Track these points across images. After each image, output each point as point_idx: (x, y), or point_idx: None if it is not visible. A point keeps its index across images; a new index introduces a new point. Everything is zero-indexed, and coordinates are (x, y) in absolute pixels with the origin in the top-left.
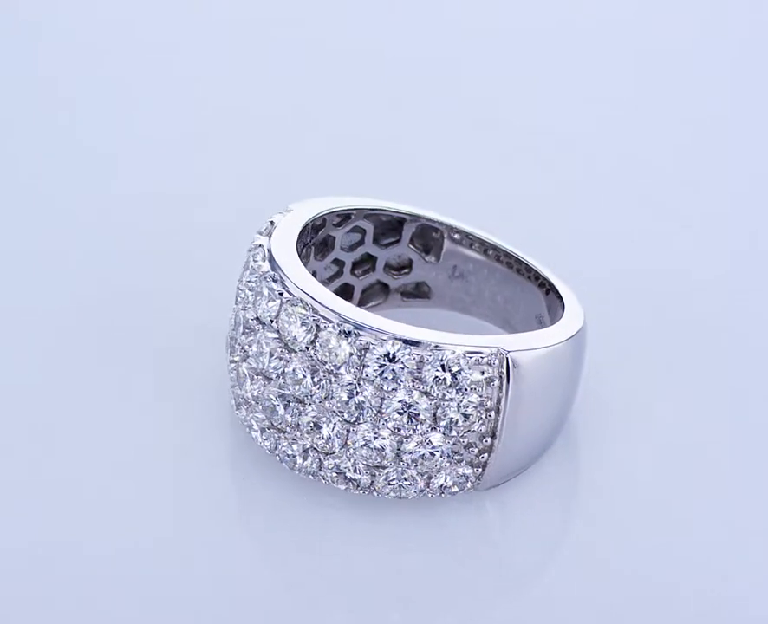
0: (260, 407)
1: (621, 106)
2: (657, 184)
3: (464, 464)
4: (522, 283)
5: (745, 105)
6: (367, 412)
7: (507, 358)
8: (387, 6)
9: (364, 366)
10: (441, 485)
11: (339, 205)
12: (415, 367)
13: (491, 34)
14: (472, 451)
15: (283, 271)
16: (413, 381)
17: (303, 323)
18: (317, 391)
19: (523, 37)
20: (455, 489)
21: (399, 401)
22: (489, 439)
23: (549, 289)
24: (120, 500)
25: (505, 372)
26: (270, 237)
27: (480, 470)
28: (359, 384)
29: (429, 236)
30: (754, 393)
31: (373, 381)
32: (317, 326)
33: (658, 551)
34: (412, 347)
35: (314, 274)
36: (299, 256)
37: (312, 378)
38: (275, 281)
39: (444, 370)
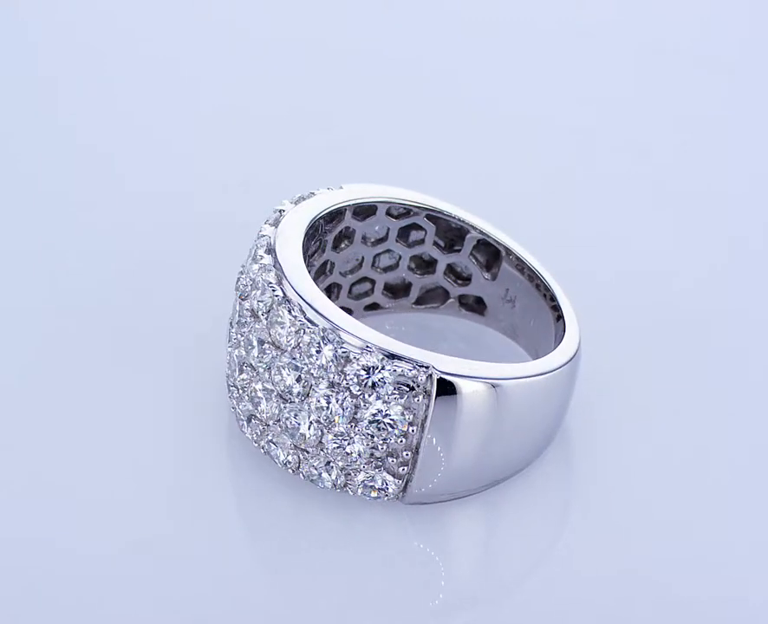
0: (228, 360)
1: (620, 104)
2: (654, 184)
3: (384, 471)
4: (550, 319)
5: (744, 106)
6: (296, 395)
7: (437, 378)
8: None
9: (300, 348)
10: (362, 487)
11: (397, 197)
12: (343, 362)
13: (493, 33)
14: (393, 462)
15: (274, 244)
16: (339, 375)
17: (265, 290)
18: (261, 361)
19: (528, 37)
20: (375, 494)
21: (325, 388)
22: (409, 454)
23: (560, 315)
24: (117, 500)
25: (434, 391)
26: (296, 204)
27: (402, 482)
28: (292, 362)
29: (489, 252)
30: (750, 399)
31: (304, 366)
32: (274, 297)
33: (653, 556)
34: (344, 343)
35: (361, 260)
36: (339, 234)
37: (259, 347)
38: (263, 243)
39: (368, 373)
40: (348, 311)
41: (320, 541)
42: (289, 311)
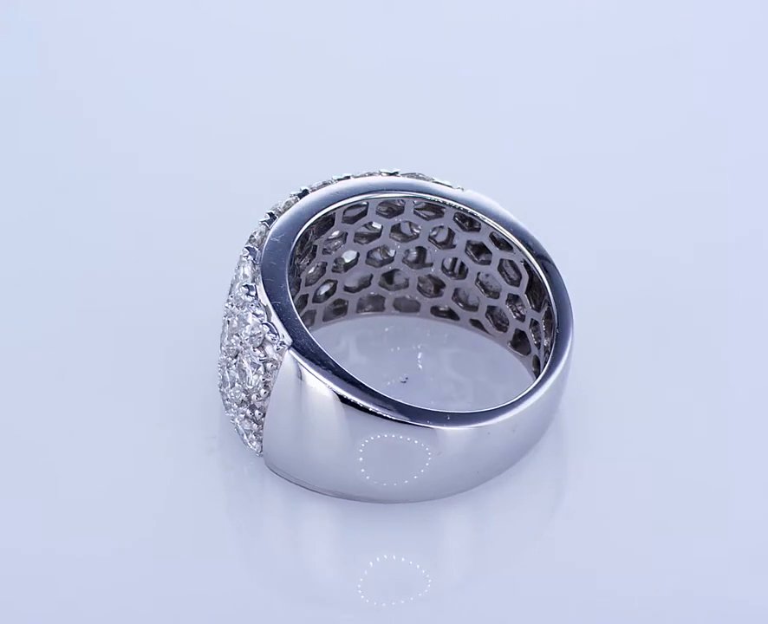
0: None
1: (615, 93)
2: (650, 175)
3: (251, 420)
4: None
5: (740, 96)
6: (227, 318)
7: (287, 354)
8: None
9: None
10: (238, 423)
11: (497, 228)
12: (242, 305)
13: (493, 31)
14: (252, 415)
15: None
16: (242, 309)
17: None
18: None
19: (527, 35)
20: (249, 440)
21: (233, 322)
22: (261, 415)
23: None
24: (115, 500)
25: (281, 365)
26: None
27: (258, 438)
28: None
29: (540, 293)
30: (747, 395)
31: (229, 300)
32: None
33: (650, 555)
34: (251, 289)
35: (477, 277)
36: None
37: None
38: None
39: (249, 322)
40: (452, 314)
41: (317, 540)
42: (252, 264)
